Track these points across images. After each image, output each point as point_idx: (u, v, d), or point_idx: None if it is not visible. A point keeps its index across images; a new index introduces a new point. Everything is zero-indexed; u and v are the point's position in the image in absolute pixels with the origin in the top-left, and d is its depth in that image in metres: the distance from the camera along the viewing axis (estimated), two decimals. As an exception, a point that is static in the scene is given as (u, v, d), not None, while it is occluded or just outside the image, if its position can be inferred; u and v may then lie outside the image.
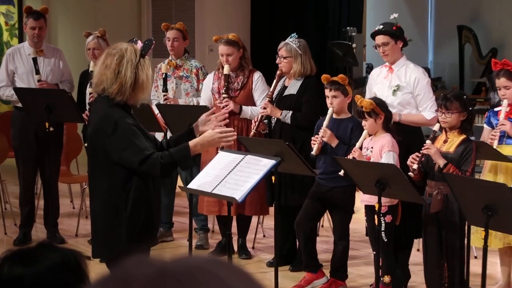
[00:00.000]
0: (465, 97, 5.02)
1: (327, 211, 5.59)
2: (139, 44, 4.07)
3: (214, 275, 0.76)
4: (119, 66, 3.90)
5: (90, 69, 6.17)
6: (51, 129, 5.99)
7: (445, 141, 4.71)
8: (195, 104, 6.24)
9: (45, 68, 6.38)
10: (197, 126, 4.23)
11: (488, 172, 5.12)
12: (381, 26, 5.55)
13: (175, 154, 3.96)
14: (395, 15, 5.64)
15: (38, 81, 6.27)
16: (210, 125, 4.21)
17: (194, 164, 5.00)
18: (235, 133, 4.64)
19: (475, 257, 5.45)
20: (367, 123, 4.98)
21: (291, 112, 5.70)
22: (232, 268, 0.81)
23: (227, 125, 5.01)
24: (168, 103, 6.21)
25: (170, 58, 6.47)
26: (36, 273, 1.90)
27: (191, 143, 3.99)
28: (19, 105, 6.29)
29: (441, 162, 4.50)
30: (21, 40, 9.14)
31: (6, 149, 6.88)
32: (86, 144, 5.21)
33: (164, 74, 6.22)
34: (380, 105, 5.00)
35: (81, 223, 6.66)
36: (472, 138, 4.89)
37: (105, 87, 3.91)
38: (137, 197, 3.92)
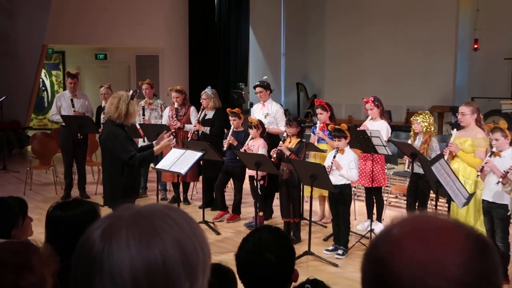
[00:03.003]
0: (299, 119, 6.63)
1: (231, 179, 7.20)
2: (130, 92, 5.15)
3: (167, 214, 0.90)
4: (118, 104, 4.93)
5: (102, 105, 7.92)
6: (81, 137, 7.73)
7: (289, 142, 6.23)
8: (159, 123, 7.61)
9: (77, 104, 7.97)
10: (157, 141, 5.24)
11: (312, 157, 6.78)
12: (258, 82, 7.31)
13: (146, 155, 5.04)
14: (265, 77, 7.59)
15: (74, 111, 7.93)
16: (164, 140, 5.22)
17: (156, 159, 6.08)
18: (174, 141, 5.59)
19: (306, 202, 6.84)
20: (252, 132, 6.57)
21: (209, 127, 7.35)
22: (178, 210, 0.94)
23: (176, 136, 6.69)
24: (146, 123, 7.65)
25: (146, 98, 8.05)
26: (70, 215, 2.35)
27: (155, 149, 5.14)
28: (63, 124, 7.95)
29: (288, 153, 6.07)
30: (64, 89, 10.67)
31: (55, 148, 8.69)
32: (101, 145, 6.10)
33: (143, 107, 7.81)
34: (260, 123, 6.66)
35: (98, 188, 8.36)
36: (304, 140, 6.39)
37: (110, 115, 4.96)
38: (127, 173, 4.98)
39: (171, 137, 5.37)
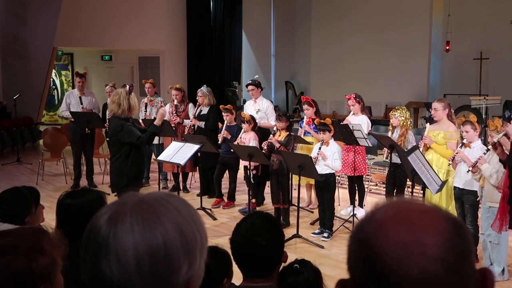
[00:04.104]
0: (288, 114, 6.70)
1: (227, 170, 7.15)
2: (127, 87, 5.15)
3: (168, 201, 0.90)
4: (119, 101, 5.01)
5: (108, 102, 7.48)
6: (88, 131, 7.69)
7: (279, 135, 6.27)
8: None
9: (85, 101, 7.94)
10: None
11: (299, 149, 6.74)
12: (250, 81, 7.30)
13: (151, 129, 5.12)
14: (257, 76, 7.54)
15: (82, 108, 7.88)
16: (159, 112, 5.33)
17: (158, 152, 6.32)
18: (165, 108, 5.90)
19: (294, 189, 6.60)
20: (244, 126, 6.55)
21: (204, 122, 7.33)
22: (178, 197, 0.94)
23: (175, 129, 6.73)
24: (148, 118, 7.59)
25: (148, 96, 7.98)
26: (79, 203, 2.32)
27: (155, 122, 5.22)
28: (72, 120, 7.92)
29: (277, 145, 6.11)
30: (73, 88, 10.24)
31: (65, 142, 8.64)
32: (107, 139, 6.52)
33: (145, 103, 7.80)
34: (252, 118, 6.66)
35: (105, 178, 8.39)
36: (292, 133, 6.44)
37: (115, 112, 5.05)
38: (131, 164, 5.05)
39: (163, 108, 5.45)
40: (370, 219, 0.82)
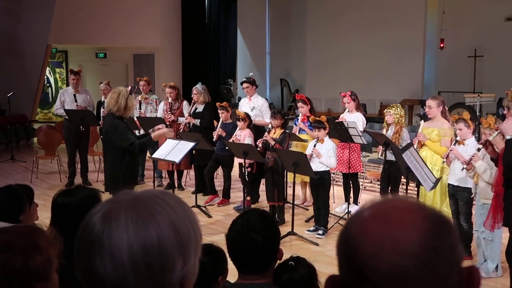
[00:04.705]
0: (283, 112, 6.68)
1: (221, 166, 7.18)
2: (129, 87, 5.25)
3: (162, 199, 0.90)
4: (118, 98, 4.94)
5: (102, 100, 7.90)
6: (83, 129, 7.64)
7: (274, 133, 6.28)
8: (155, 116, 7.58)
9: (79, 99, 7.89)
10: (153, 129, 5.23)
11: (294, 147, 6.81)
12: (245, 79, 7.29)
13: (145, 141, 5.07)
14: (251, 73, 7.58)
15: (76, 106, 7.85)
16: (161, 130, 5.27)
17: (154, 146, 6.37)
18: (173, 131, 5.85)
19: (289, 187, 6.93)
20: (240, 124, 6.52)
21: (199, 120, 7.32)
22: (172, 195, 0.94)
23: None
24: (142, 116, 7.61)
25: (142, 93, 7.92)
26: (73, 201, 2.33)
27: (152, 135, 5.15)
28: (67, 117, 7.88)
29: (272, 142, 6.11)
30: (67, 85, 10.40)
31: (60, 139, 8.62)
32: (101, 137, 6.31)
33: (139, 101, 7.74)
34: (247, 116, 6.60)
35: (99, 175, 8.38)
36: (287, 131, 6.43)
37: (110, 108, 4.98)
38: (127, 162, 4.98)
39: (170, 128, 5.47)
40: (355, 218, 0.83)
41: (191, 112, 7.49)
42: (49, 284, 1.30)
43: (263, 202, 6.87)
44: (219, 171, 7.67)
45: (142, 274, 0.84)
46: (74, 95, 8.03)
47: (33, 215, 2.77)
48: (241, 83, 7.44)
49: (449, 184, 5.12)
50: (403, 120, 6.18)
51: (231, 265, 2.12)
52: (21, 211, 2.67)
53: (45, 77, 13.91)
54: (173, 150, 5.97)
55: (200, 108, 7.49)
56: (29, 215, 2.71)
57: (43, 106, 14.51)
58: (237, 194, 7.44)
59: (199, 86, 7.52)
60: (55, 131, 9.42)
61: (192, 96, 7.49)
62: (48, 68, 14.01)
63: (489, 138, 4.00)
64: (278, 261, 2.11)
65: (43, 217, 2.91)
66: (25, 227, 1.43)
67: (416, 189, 5.32)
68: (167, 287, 0.87)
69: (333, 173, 7.36)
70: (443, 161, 5.12)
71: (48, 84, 14.57)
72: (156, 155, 6.09)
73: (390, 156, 5.93)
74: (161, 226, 0.86)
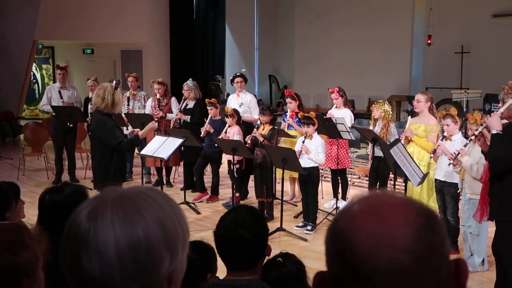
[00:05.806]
0: (271, 108, 6.71)
1: (209, 163, 7.15)
2: (114, 82, 5.08)
3: (149, 195, 0.90)
4: (104, 95, 4.90)
5: (89, 96, 7.77)
6: (71, 125, 7.56)
7: (263, 129, 6.27)
8: (143, 113, 7.53)
9: (66, 95, 7.80)
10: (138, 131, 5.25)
11: (283, 143, 6.83)
12: (239, 73, 7.26)
13: (133, 139, 5.11)
14: (244, 70, 7.56)
15: (62, 102, 7.78)
16: (147, 125, 5.34)
17: (141, 144, 6.32)
18: (156, 124, 5.60)
19: (278, 183, 6.86)
20: (228, 120, 6.55)
21: (189, 116, 7.33)
22: (159, 192, 0.94)
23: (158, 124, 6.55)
24: (131, 112, 7.59)
25: (131, 90, 7.90)
26: (60, 198, 2.33)
27: (140, 133, 5.18)
28: (54, 114, 7.81)
29: (261, 139, 6.11)
30: (54, 81, 10.33)
31: (47, 136, 8.58)
32: (89, 133, 6.13)
33: (128, 97, 7.71)
34: (236, 112, 6.61)
35: (87, 172, 8.34)
36: (276, 127, 6.45)
37: (98, 105, 4.93)
38: (115, 159, 4.97)
39: (153, 121, 5.39)
40: (345, 212, 0.84)
41: (182, 108, 7.47)
42: (36, 281, 1.30)
43: (252, 198, 6.88)
44: (208, 167, 7.65)
45: (129, 271, 0.84)
46: (59, 92, 7.95)
47: (19, 212, 2.74)
48: (234, 78, 7.35)
49: (436, 179, 5.17)
50: (390, 115, 6.21)
51: (219, 262, 2.12)
52: (7, 208, 2.63)
53: (32, 73, 13.80)
54: (162, 146, 5.97)
55: (191, 104, 7.47)
56: (15, 213, 2.68)
57: (29, 103, 14.38)
58: (226, 191, 7.43)
59: (190, 82, 7.49)
60: (41, 128, 9.34)
61: (183, 92, 7.46)
62: (34, 64, 13.89)
63: (475, 133, 4.03)
64: (267, 257, 2.11)
65: (30, 214, 2.88)
66: (11, 224, 1.43)
67: (403, 184, 5.36)
68: (154, 283, 0.86)
69: (322, 169, 7.34)
70: (431, 157, 5.16)
71: (34, 81, 14.44)
72: (144, 151, 6.09)
73: (378, 152, 5.95)
74: (148, 223, 0.85)
